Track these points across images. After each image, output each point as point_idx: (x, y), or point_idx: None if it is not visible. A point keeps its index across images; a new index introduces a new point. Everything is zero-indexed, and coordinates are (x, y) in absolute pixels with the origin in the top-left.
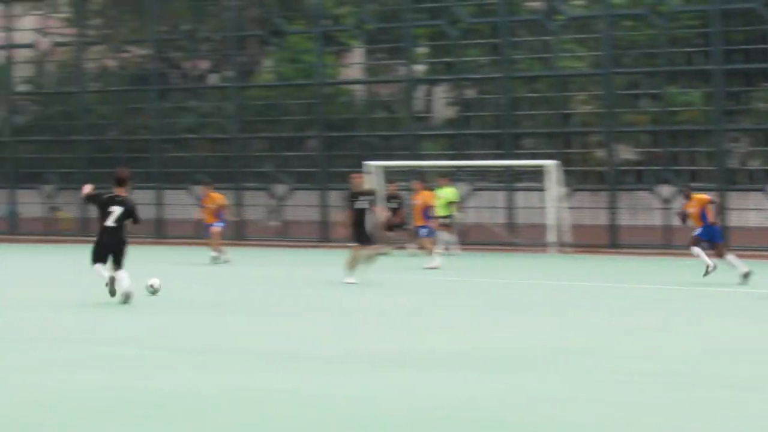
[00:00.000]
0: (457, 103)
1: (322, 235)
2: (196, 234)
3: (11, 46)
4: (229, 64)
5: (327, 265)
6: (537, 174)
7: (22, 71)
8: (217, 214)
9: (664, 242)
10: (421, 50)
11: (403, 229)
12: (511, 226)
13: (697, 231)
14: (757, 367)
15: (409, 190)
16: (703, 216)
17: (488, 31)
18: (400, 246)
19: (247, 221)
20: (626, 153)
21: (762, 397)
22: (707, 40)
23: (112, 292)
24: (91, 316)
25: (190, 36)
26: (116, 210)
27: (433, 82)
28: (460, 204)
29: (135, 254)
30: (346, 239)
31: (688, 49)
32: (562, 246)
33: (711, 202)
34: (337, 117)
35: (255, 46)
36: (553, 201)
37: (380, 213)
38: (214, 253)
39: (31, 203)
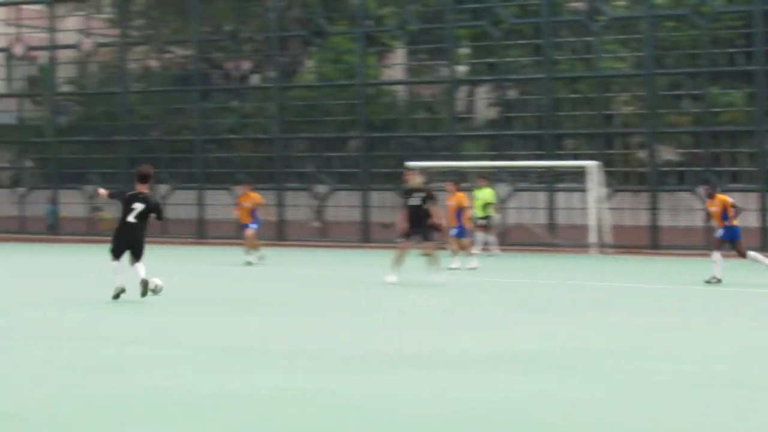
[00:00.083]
0: (499, 103)
1: (362, 236)
2: (237, 234)
3: (54, 47)
4: (272, 65)
5: (366, 265)
6: (578, 175)
7: (65, 72)
8: (253, 213)
9: (705, 243)
10: (464, 51)
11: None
12: (551, 227)
13: (719, 233)
14: None
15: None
16: (724, 216)
17: (530, 32)
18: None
19: (288, 221)
20: (668, 154)
21: None
22: (749, 41)
23: (116, 297)
24: (120, 316)
25: (232, 36)
26: (138, 206)
27: (475, 83)
28: (497, 205)
29: (175, 254)
30: (397, 237)
31: (731, 50)
32: (603, 247)
33: (733, 206)
34: (378, 117)
35: (297, 46)
36: (594, 202)
37: (434, 210)
38: (248, 257)
39: (73, 203)
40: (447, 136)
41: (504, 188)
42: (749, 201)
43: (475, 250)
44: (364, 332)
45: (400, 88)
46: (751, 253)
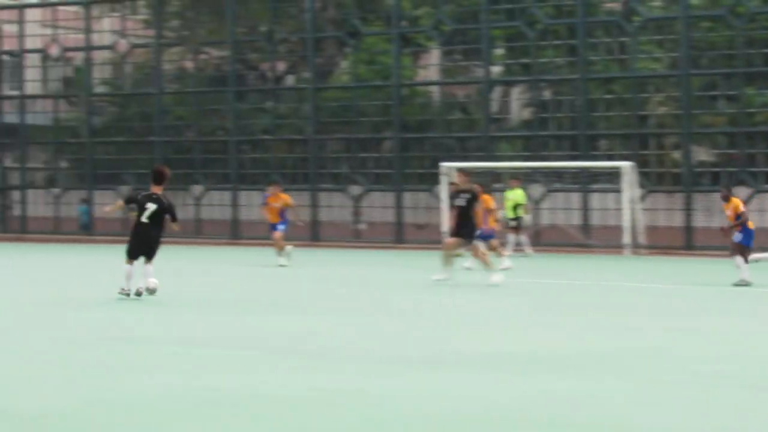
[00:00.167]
0: (534, 104)
1: (396, 237)
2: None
3: (90, 48)
4: (307, 66)
5: (400, 266)
6: (612, 175)
7: (100, 73)
8: (282, 213)
9: None
10: (498, 51)
11: None
12: (585, 228)
13: (737, 237)
14: None
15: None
16: (738, 219)
17: (565, 32)
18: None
19: (322, 222)
20: (702, 154)
21: None
22: None
23: (121, 293)
24: (154, 315)
25: (267, 37)
26: (150, 207)
27: (509, 84)
28: (530, 206)
29: (209, 255)
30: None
31: (766, 50)
32: (637, 248)
33: (741, 213)
34: (413, 118)
35: (332, 47)
36: (628, 202)
37: (478, 212)
38: (281, 260)
39: (108, 204)
40: (481, 137)
41: (538, 189)
42: None
43: (506, 251)
44: (393, 333)
45: (434, 88)
46: (754, 256)
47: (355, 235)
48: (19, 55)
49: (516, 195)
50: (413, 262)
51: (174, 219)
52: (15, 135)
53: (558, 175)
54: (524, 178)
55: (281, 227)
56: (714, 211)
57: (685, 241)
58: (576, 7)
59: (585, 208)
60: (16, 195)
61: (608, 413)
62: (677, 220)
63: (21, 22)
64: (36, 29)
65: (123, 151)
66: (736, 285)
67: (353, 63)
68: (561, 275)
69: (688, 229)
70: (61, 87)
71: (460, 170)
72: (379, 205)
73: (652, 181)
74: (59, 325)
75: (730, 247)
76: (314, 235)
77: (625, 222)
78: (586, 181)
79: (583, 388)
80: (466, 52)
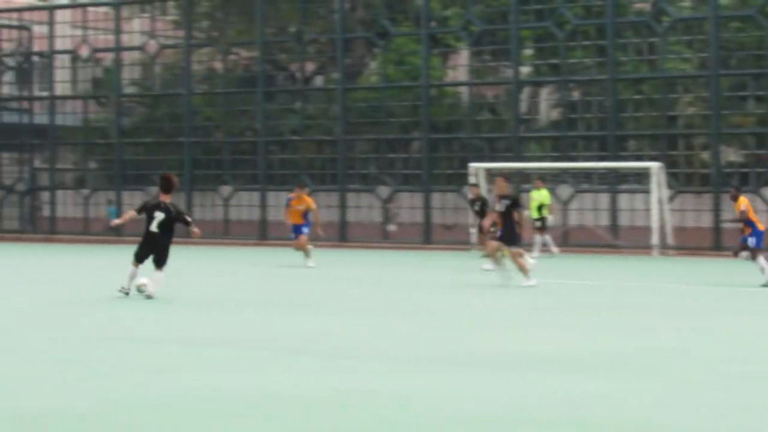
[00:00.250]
0: (562, 105)
1: (425, 237)
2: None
3: (120, 48)
4: (336, 66)
5: (428, 268)
6: (641, 176)
7: (130, 73)
8: (305, 216)
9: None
10: (527, 52)
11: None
12: (614, 229)
13: (752, 242)
14: None
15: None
16: (748, 221)
17: (594, 33)
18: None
19: (350, 223)
20: (731, 155)
21: None
22: None
23: (121, 292)
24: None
25: (297, 38)
26: (158, 216)
27: (538, 84)
28: (556, 206)
29: (236, 256)
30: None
31: None
32: (665, 248)
33: (741, 212)
34: (441, 119)
35: (361, 47)
36: (657, 203)
37: (517, 216)
38: (309, 263)
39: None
40: (510, 138)
41: (566, 190)
42: None
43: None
44: (407, 333)
45: (463, 89)
46: (743, 254)
47: (384, 236)
48: (49, 56)
49: (541, 195)
50: (440, 263)
51: (187, 224)
52: (45, 136)
53: (586, 175)
54: (552, 179)
55: (305, 230)
56: None
57: (714, 242)
58: (605, 7)
59: (613, 209)
60: (45, 196)
61: (631, 414)
62: (706, 220)
63: (51, 23)
64: (66, 30)
65: (152, 151)
66: (764, 286)
67: (382, 63)
68: (586, 276)
69: (717, 230)
70: (90, 88)
71: (501, 176)
72: (407, 206)
73: (680, 181)
74: (71, 325)
75: (738, 248)
76: (342, 235)
77: (654, 223)
78: (614, 181)
79: (605, 389)
80: (495, 53)
